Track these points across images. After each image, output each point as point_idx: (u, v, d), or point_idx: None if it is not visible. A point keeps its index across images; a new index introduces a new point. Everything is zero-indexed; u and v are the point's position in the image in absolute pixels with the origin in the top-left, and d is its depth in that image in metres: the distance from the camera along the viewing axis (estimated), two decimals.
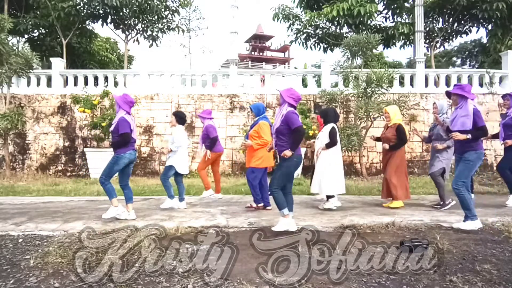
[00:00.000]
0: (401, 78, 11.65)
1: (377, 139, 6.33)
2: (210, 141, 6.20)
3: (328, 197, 5.54)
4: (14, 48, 10.03)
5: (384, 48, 15.27)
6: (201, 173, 6.38)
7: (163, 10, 13.84)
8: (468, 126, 4.10)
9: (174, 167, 5.68)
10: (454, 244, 3.60)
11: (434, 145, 5.61)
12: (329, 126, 5.39)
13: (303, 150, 10.25)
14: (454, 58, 22.99)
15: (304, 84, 12.50)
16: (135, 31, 14.31)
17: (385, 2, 14.13)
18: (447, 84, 11.42)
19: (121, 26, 13.94)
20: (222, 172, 10.55)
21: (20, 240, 3.88)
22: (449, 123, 4.67)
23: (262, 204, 5.53)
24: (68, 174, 10.74)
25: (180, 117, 5.85)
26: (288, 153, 4.07)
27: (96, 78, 11.86)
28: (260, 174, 5.47)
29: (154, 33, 14.22)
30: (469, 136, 4.14)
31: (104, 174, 4.69)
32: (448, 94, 4.40)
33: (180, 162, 5.72)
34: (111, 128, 4.83)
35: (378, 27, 14.12)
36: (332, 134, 5.30)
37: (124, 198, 4.89)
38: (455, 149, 4.44)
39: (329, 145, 5.29)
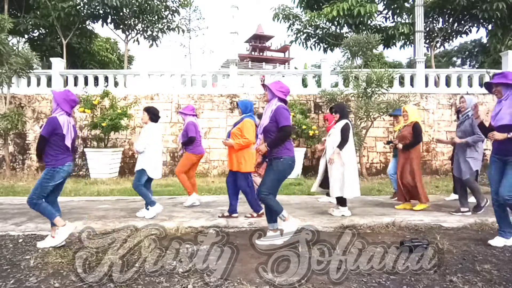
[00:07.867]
0: (401, 78, 11.65)
1: (388, 142, 6.13)
2: (187, 140, 5.65)
3: (340, 203, 5.14)
4: (14, 48, 10.01)
5: (384, 48, 15.28)
6: (180, 177, 5.76)
7: (163, 10, 13.86)
8: None
9: (145, 171, 4.95)
10: (454, 244, 3.61)
11: (453, 139, 5.23)
12: (343, 121, 5.01)
13: (303, 150, 10.40)
14: (454, 58, 23.01)
15: (304, 84, 12.50)
16: (135, 31, 14.34)
17: (385, 2, 14.14)
18: (447, 84, 11.42)
19: (121, 26, 13.96)
20: (222, 173, 10.54)
21: (20, 240, 3.88)
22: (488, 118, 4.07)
23: (263, 211, 4.91)
24: None
25: (153, 114, 5.10)
26: (262, 147, 3.64)
27: (96, 78, 11.86)
28: (247, 177, 4.89)
29: (154, 33, 14.25)
30: None
31: (35, 195, 3.61)
32: (489, 86, 3.65)
33: (151, 164, 4.97)
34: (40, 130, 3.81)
35: (378, 27, 14.12)
36: (344, 130, 4.94)
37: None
38: (497, 149, 3.62)
39: (341, 144, 4.90)
